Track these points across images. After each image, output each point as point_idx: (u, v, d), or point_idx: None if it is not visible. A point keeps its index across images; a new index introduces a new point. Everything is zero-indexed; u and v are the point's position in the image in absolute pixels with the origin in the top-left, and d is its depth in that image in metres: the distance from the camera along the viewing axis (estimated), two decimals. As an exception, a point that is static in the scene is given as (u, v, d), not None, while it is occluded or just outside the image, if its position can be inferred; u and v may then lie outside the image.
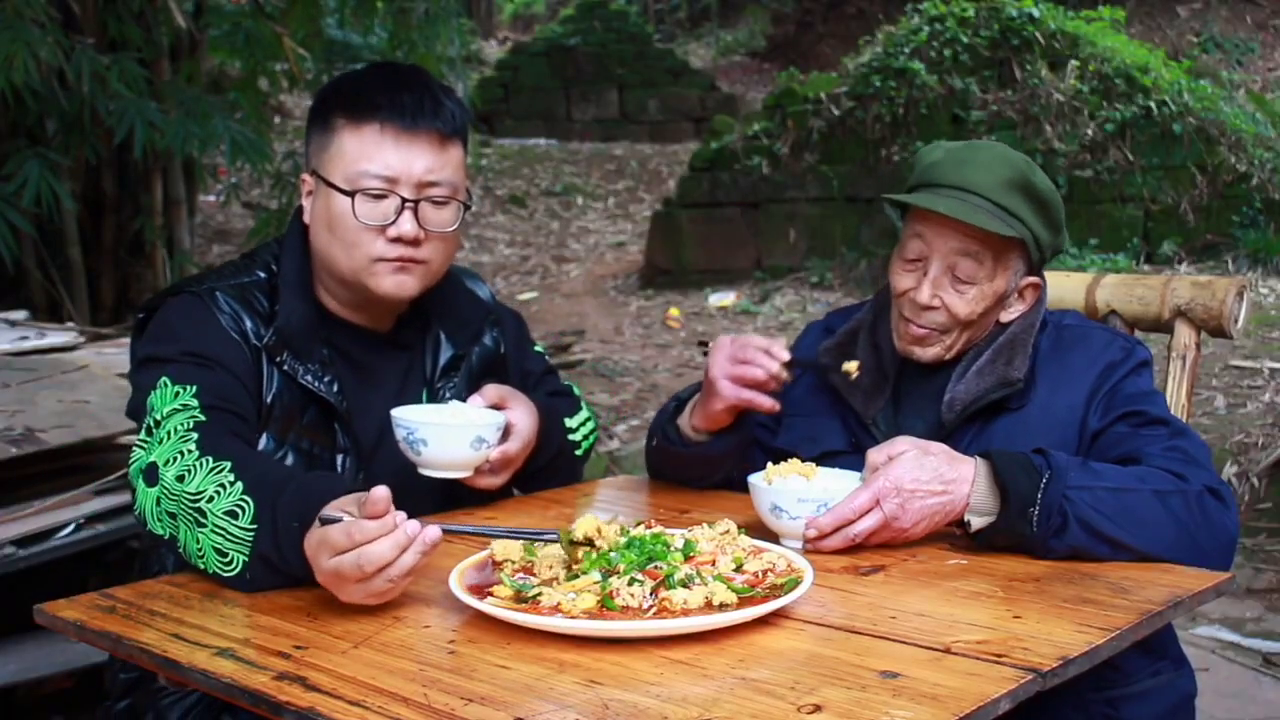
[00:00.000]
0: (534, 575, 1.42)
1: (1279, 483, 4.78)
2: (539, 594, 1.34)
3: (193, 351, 1.74)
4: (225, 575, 1.52)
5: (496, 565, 1.47)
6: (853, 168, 9.53)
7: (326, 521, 1.38)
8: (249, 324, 1.81)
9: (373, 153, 1.80)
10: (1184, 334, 2.09)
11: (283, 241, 1.92)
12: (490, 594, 1.37)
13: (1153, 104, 9.15)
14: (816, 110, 9.69)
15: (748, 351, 1.81)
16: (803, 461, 1.73)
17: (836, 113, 9.62)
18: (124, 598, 1.50)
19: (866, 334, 1.97)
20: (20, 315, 4.15)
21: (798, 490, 1.66)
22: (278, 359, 1.80)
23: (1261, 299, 7.86)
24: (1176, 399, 2.05)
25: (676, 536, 1.46)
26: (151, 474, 1.61)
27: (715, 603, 1.32)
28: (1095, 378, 1.81)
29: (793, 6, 18.04)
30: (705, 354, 1.90)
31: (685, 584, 1.34)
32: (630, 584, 1.33)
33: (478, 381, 1.98)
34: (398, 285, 1.83)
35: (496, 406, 1.88)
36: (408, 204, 1.80)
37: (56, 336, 3.60)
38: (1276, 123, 9.86)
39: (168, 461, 1.60)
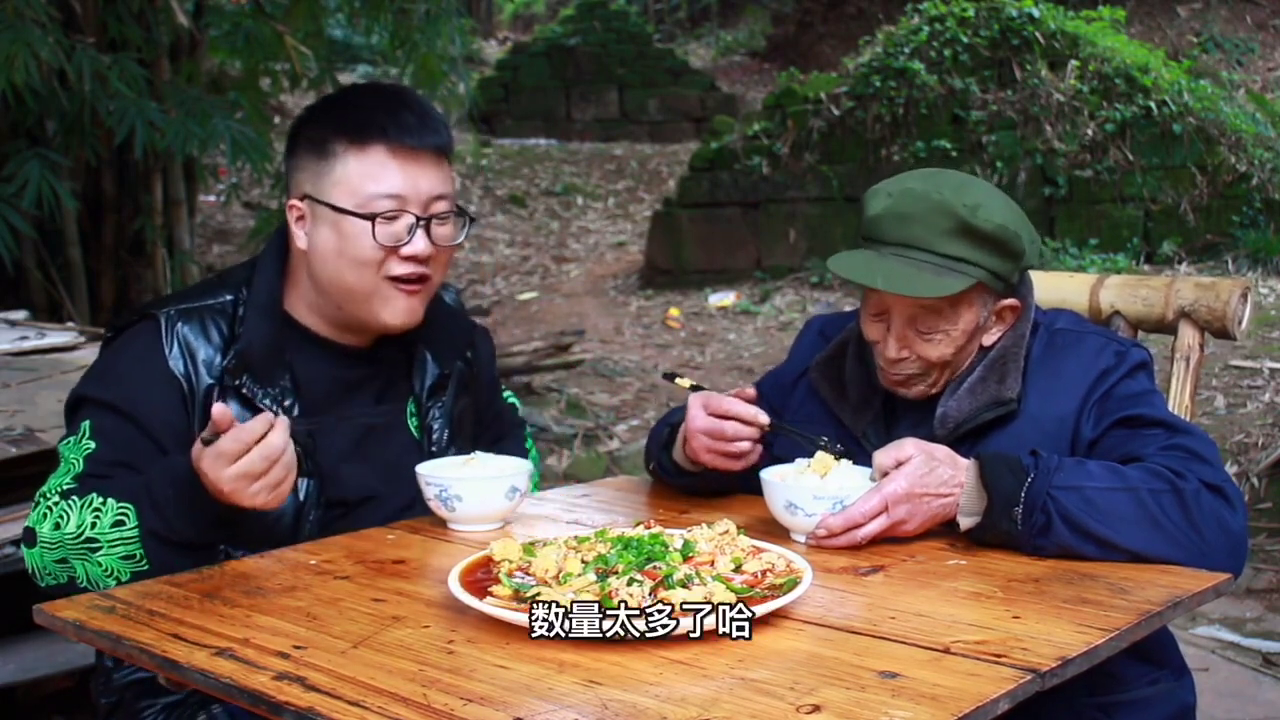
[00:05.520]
0: (532, 575, 1.42)
1: (1279, 483, 4.78)
2: (538, 594, 1.34)
3: (116, 405, 1.78)
4: (139, 571, 1.67)
5: (495, 565, 1.47)
6: (853, 168, 9.53)
7: (209, 442, 1.59)
8: (202, 354, 1.81)
9: (379, 174, 1.80)
10: (1188, 335, 2.08)
11: (257, 261, 1.92)
12: (489, 594, 1.37)
13: (1153, 104, 9.15)
14: (816, 110, 9.69)
15: (725, 426, 1.80)
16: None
17: (836, 113, 9.62)
18: (123, 598, 1.50)
19: (854, 346, 1.95)
20: (20, 315, 4.15)
21: (813, 487, 1.67)
22: (237, 382, 1.80)
23: (1262, 299, 7.86)
24: (1180, 400, 2.05)
25: (675, 537, 1.46)
26: (29, 537, 1.72)
27: (715, 603, 1.32)
28: (1087, 387, 1.78)
29: (793, 6, 18.03)
30: (672, 380, 1.93)
31: (684, 584, 1.34)
32: (629, 584, 1.33)
33: (457, 400, 1.99)
34: (409, 311, 1.85)
35: None
36: (420, 222, 1.81)
37: (56, 336, 3.60)
38: (1276, 123, 9.86)
39: (40, 522, 1.71)
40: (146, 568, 1.67)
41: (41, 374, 3.14)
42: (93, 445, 1.76)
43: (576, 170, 14.18)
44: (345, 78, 9.58)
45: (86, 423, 1.78)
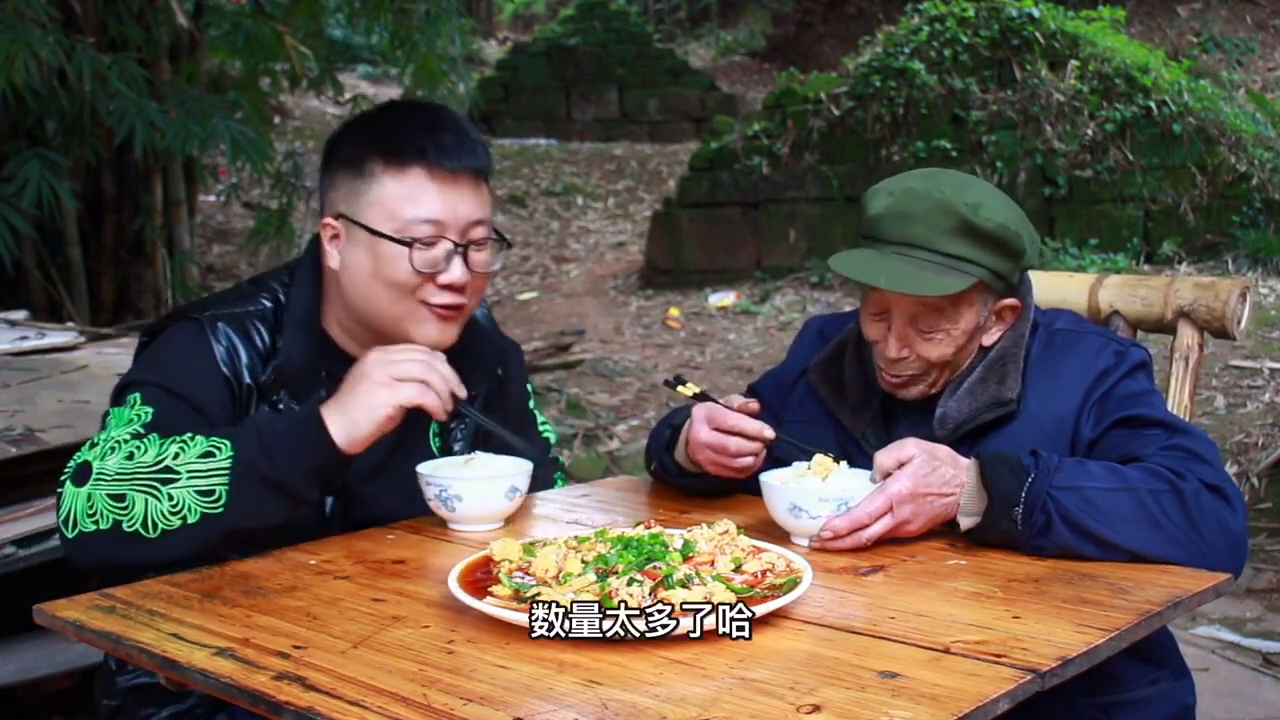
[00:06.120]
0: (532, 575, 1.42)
1: (1279, 483, 4.78)
2: (538, 594, 1.34)
3: (168, 386, 1.73)
4: (211, 513, 1.59)
5: (495, 565, 1.47)
6: (853, 168, 9.53)
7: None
8: (245, 359, 1.78)
9: (418, 196, 1.76)
10: (1187, 335, 2.08)
11: (293, 272, 1.88)
12: (490, 594, 1.38)
13: (1153, 104, 9.15)
14: (816, 110, 9.69)
15: (729, 442, 1.79)
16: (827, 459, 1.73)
17: (836, 113, 9.62)
18: (124, 598, 1.50)
19: (853, 347, 1.95)
20: (20, 315, 4.16)
21: (817, 490, 1.66)
22: (274, 397, 1.79)
23: (1261, 299, 7.86)
24: (1179, 400, 2.05)
25: (675, 537, 1.46)
26: (83, 473, 1.62)
27: (715, 603, 1.32)
28: (1087, 387, 1.78)
29: (793, 6, 18.04)
30: (675, 388, 1.91)
31: (684, 584, 1.34)
32: (629, 584, 1.33)
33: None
34: (440, 333, 1.81)
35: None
36: (458, 249, 1.78)
37: (56, 336, 3.61)
38: (1276, 123, 9.86)
39: (104, 457, 1.61)
40: (220, 510, 1.59)
41: (41, 374, 3.15)
42: (150, 409, 1.69)
43: (576, 170, 14.19)
44: (345, 78, 9.59)
45: (136, 394, 1.72)
